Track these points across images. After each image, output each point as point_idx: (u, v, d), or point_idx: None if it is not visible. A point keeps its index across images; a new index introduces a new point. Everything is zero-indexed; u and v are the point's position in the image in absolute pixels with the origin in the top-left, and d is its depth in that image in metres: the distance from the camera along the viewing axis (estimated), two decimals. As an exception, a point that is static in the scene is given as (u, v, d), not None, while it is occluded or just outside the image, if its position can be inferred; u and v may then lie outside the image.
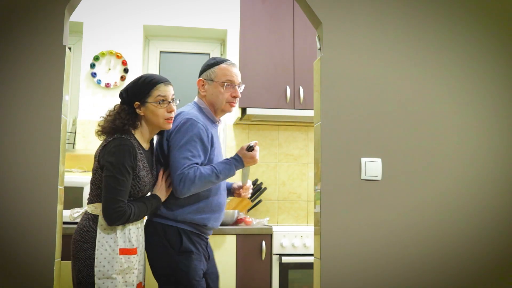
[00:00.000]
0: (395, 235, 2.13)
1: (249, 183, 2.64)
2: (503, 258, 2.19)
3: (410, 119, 2.20)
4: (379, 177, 2.15)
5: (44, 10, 2.04)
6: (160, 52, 4.12)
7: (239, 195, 2.64)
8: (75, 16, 2.35)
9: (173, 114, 2.27)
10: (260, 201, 3.70)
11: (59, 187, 1.99)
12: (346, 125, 2.15)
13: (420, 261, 2.14)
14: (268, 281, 3.13)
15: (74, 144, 3.71)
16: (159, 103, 2.23)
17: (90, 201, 2.21)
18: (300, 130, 3.92)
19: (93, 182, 2.21)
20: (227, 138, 3.84)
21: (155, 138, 2.44)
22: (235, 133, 3.87)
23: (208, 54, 4.15)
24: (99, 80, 3.78)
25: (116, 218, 2.08)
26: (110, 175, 2.10)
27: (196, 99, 2.53)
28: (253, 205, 3.67)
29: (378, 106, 2.18)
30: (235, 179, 2.82)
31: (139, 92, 2.24)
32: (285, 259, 3.14)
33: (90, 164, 2.24)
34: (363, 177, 2.14)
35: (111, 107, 2.29)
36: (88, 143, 3.66)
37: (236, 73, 2.50)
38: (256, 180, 3.74)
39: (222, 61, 2.50)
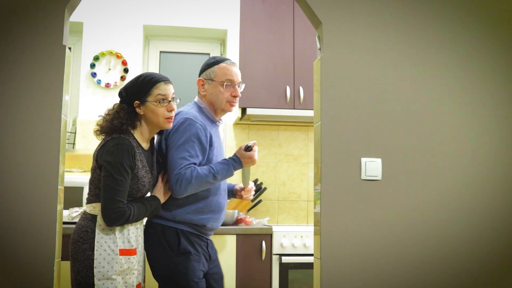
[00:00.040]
0: (395, 235, 2.13)
1: (251, 185, 2.62)
2: (503, 258, 2.19)
3: (410, 119, 2.20)
4: (379, 177, 2.15)
5: (44, 10, 2.03)
6: (160, 52, 4.12)
7: (241, 197, 2.62)
8: (75, 16, 2.35)
9: (173, 114, 2.25)
10: (260, 201, 3.70)
11: (59, 187, 1.99)
12: (346, 125, 2.15)
13: (420, 261, 2.14)
14: (268, 281, 3.13)
15: (74, 144, 3.71)
16: (159, 102, 2.20)
17: (88, 201, 2.20)
18: (300, 130, 3.93)
19: (91, 182, 2.19)
20: (227, 138, 3.84)
21: (156, 138, 2.42)
22: (235, 133, 3.87)
23: (208, 54, 4.14)
24: (99, 80, 3.78)
25: (115, 218, 2.07)
26: (109, 175, 2.08)
27: (196, 99, 2.52)
28: (253, 205, 3.67)
29: (378, 106, 2.18)
30: (235, 180, 2.82)
31: (138, 91, 2.21)
32: (285, 259, 3.14)
33: (90, 164, 2.23)
34: (363, 177, 2.14)
35: (111, 106, 2.27)
36: (88, 143, 3.66)
37: (236, 72, 2.48)
38: (256, 180, 3.74)
39: (222, 60, 2.49)
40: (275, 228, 3.24)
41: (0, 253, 1.92)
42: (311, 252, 3.10)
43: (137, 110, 2.22)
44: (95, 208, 2.15)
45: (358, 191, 2.13)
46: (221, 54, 4.13)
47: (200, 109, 2.46)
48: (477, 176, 2.21)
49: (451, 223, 2.17)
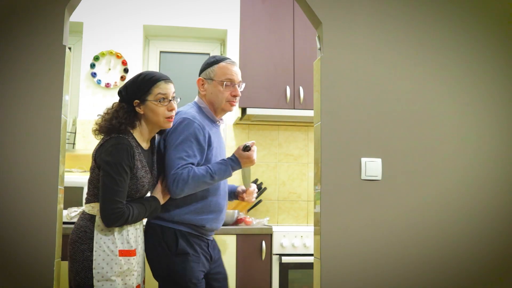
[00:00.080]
0: (395, 235, 2.13)
1: (253, 187, 2.60)
2: (503, 258, 2.19)
3: (410, 119, 2.20)
4: (379, 177, 2.15)
5: (44, 10, 2.03)
6: (160, 52, 4.12)
7: (243, 199, 2.61)
8: (75, 16, 2.35)
9: (173, 113, 2.22)
10: (260, 201, 3.69)
11: (59, 187, 1.99)
12: (346, 125, 2.15)
13: (420, 261, 2.14)
14: (268, 281, 3.13)
15: (74, 144, 3.71)
16: (160, 101, 2.18)
17: (87, 201, 2.17)
18: (300, 130, 3.92)
19: (90, 181, 2.17)
20: (227, 138, 3.84)
21: (156, 137, 2.39)
22: (235, 133, 3.87)
23: (208, 54, 4.14)
24: (99, 80, 3.78)
25: (114, 219, 2.05)
26: (107, 175, 2.05)
27: (196, 98, 2.51)
28: (253, 205, 3.67)
29: (378, 106, 2.18)
30: (235, 181, 2.81)
31: (138, 89, 2.19)
32: (285, 259, 3.14)
33: (90, 164, 2.23)
34: (363, 177, 2.14)
35: (110, 105, 2.24)
36: (88, 143, 3.66)
37: (236, 72, 2.47)
38: (256, 180, 3.74)
39: (222, 59, 2.47)
40: (275, 228, 3.24)
41: (0, 253, 1.92)
42: (311, 252, 3.10)
43: (137, 109, 2.20)
44: (93, 208, 2.13)
45: (358, 191, 2.13)
46: (221, 54, 4.13)
47: (200, 109, 2.45)
48: (477, 176, 2.21)
49: (451, 223, 2.17)
